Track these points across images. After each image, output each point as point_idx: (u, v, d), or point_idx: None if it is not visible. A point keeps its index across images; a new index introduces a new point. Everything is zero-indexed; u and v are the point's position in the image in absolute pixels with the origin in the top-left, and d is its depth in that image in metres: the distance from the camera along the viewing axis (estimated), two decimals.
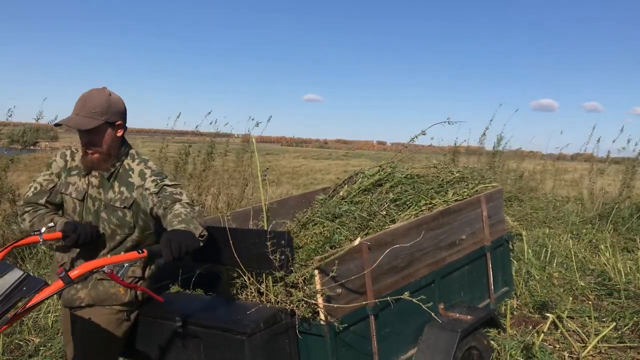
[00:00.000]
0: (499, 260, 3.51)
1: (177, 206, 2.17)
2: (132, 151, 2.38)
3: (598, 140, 9.23)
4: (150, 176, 2.29)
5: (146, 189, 2.25)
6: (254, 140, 3.59)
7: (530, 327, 4.17)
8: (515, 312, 4.46)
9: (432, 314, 2.57)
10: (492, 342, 3.67)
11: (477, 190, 3.58)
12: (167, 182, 2.27)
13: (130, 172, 2.31)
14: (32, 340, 3.75)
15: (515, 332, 4.04)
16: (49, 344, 3.70)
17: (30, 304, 1.84)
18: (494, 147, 8.83)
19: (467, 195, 3.47)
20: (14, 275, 1.83)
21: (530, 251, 5.60)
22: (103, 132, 2.20)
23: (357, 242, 2.19)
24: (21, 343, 3.73)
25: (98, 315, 2.30)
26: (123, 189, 2.29)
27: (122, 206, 2.27)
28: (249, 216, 3.22)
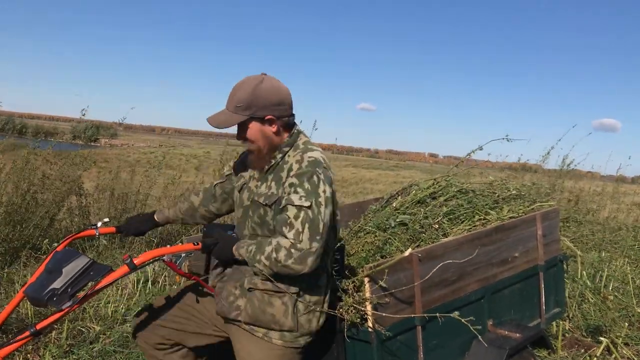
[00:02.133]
0: (552, 280, 3.44)
1: (278, 238, 1.92)
2: (300, 141, 2.12)
3: None
4: (293, 176, 1.98)
5: (283, 188, 2.00)
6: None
7: (583, 350, 4.07)
8: (567, 334, 4.36)
9: (481, 329, 2.57)
10: None
11: (533, 209, 3.54)
12: (297, 196, 1.92)
13: (284, 165, 2.06)
14: (93, 327, 3.96)
15: (566, 354, 3.95)
16: (109, 332, 3.90)
17: (96, 287, 1.99)
18: (560, 167, 8.53)
19: (523, 212, 3.44)
20: (82, 261, 2.00)
21: (585, 273, 5.45)
22: (251, 128, 2.04)
23: (408, 252, 2.21)
24: (83, 330, 3.94)
25: (256, 348, 2.08)
26: (273, 183, 2.07)
27: (264, 203, 2.06)
28: None
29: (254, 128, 2.04)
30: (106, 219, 2.48)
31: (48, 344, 3.65)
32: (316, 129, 7.74)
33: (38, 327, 1.94)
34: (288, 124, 2.10)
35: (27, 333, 1.93)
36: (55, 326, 3.84)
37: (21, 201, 5.53)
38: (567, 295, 4.36)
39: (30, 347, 3.60)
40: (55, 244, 5.37)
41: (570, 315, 4.67)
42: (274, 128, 2.05)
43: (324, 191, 1.95)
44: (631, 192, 9.82)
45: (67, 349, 3.63)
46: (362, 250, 3.10)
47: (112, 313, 4.21)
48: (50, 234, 5.84)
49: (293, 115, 2.12)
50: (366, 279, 2.26)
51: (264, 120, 2.04)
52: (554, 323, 3.92)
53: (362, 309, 2.26)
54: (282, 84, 2.09)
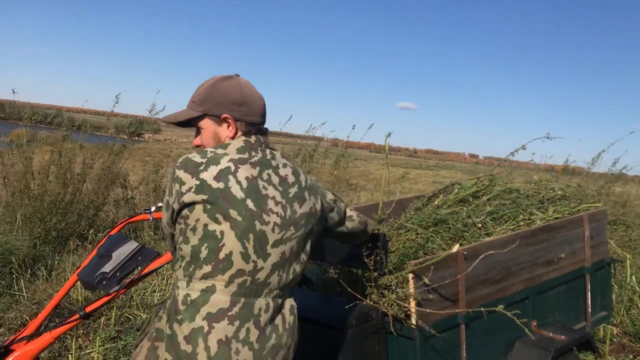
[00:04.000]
0: (599, 283, 3.36)
1: None
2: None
3: None
4: None
5: None
6: (387, 145, 3.67)
7: (631, 356, 3.99)
8: (614, 339, 4.26)
9: (525, 329, 2.53)
10: None
11: (579, 210, 3.46)
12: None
13: None
14: (140, 315, 4.08)
15: (614, 359, 3.87)
16: None
17: (144, 272, 2.06)
18: (609, 170, 8.27)
19: (569, 214, 3.37)
20: (130, 246, 2.07)
21: (634, 278, 5.30)
22: (205, 128, 1.77)
23: (455, 248, 2.20)
24: (130, 317, 4.07)
25: None
26: None
27: None
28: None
29: (207, 127, 1.75)
30: (160, 204, 2.53)
31: (97, 330, 3.79)
32: (369, 129, 7.78)
33: (87, 309, 2.02)
34: (249, 132, 1.74)
35: (77, 315, 2.01)
36: (105, 313, 3.98)
37: (64, 191, 5.74)
38: (614, 299, 4.25)
39: (81, 331, 3.74)
40: (101, 234, 5.58)
41: (619, 320, 4.56)
42: (230, 131, 1.72)
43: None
44: None
45: (115, 335, 3.76)
46: (404, 247, 3.10)
47: (157, 301, 4.33)
48: (97, 224, 6.04)
49: (260, 124, 1.78)
50: (410, 275, 2.25)
51: (219, 120, 1.73)
52: (600, 327, 3.83)
53: (406, 305, 2.26)
54: (252, 87, 1.80)
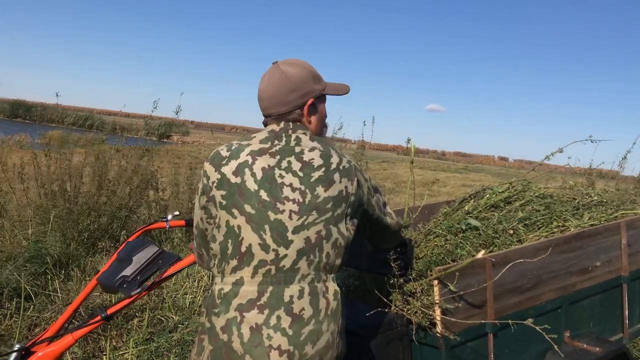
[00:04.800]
0: (638, 293, 3.22)
1: None
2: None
3: None
4: None
5: None
6: (412, 148, 3.61)
7: None
8: None
9: (557, 340, 2.43)
10: None
11: (616, 217, 3.34)
12: None
13: None
14: (172, 317, 4.12)
15: None
16: (186, 323, 4.04)
17: (164, 275, 2.07)
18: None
19: (605, 220, 3.25)
20: (151, 250, 2.08)
21: None
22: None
23: (480, 254, 2.13)
24: (162, 319, 4.11)
25: None
26: None
27: None
28: None
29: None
30: (176, 212, 2.60)
31: (131, 331, 3.84)
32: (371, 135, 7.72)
33: (109, 312, 2.04)
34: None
35: (99, 317, 2.03)
36: (137, 315, 4.03)
37: (98, 193, 5.84)
38: None
39: (115, 332, 3.79)
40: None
41: None
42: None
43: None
44: None
45: (148, 337, 3.80)
46: (432, 253, 3.04)
47: (189, 304, 4.36)
48: (128, 226, 6.13)
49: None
50: (435, 282, 2.19)
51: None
52: None
53: (431, 313, 2.20)
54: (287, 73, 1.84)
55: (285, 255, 1.63)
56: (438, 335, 2.19)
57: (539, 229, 3.21)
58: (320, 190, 1.68)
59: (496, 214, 3.29)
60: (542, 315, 2.58)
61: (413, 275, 2.47)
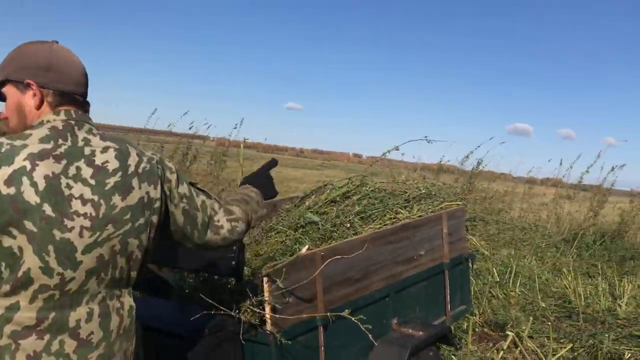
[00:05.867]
0: (458, 278, 3.51)
1: None
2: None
3: (569, 167, 9.45)
4: None
5: None
6: (242, 145, 3.55)
7: (491, 344, 4.25)
8: (477, 329, 4.51)
9: (385, 328, 2.56)
10: (453, 357, 3.72)
11: (441, 208, 3.60)
12: None
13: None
14: None
15: (476, 348, 4.09)
16: None
17: None
18: (472, 169, 8.98)
19: (432, 211, 3.49)
20: None
21: (495, 270, 5.67)
22: (8, 96, 1.52)
23: (304, 249, 2.16)
24: None
25: None
26: None
27: None
28: None
29: (10, 96, 1.50)
30: None
31: None
32: (240, 124, 7.75)
33: None
34: (60, 103, 1.49)
35: None
36: None
37: None
38: (473, 292, 4.50)
39: None
40: None
41: (481, 311, 4.84)
42: (35, 100, 1.47)
43: None
44: (540, 193, 10.38)
45: None
46: (272, 250, 3.03)
47: None
48: None
49: (75, 94, 1.52)
50: (265, 279, 2.18)
51: (22, 86, 1.48)
52: (464, 318, 4.02)
53: (261, 310, 2.19)
54: (70, 53, 1.56)
55: (73, 279, 1.39)
56: (268, 332, 2.18)
57: (374, 221, 3.36)
58: (117, 199, 1.43)
59: (335, 209, 3.39)
60: (372, 304, 2.70)
61: (249, 273, 2.44)
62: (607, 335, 4.30)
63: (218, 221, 1.74)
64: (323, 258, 2.38)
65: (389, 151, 4.37)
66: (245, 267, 2.33)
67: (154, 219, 1.53)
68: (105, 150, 1.46)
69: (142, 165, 1.51)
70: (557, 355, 3.89)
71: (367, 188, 3.66)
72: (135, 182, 1.48)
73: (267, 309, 2.18)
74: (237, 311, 2.20)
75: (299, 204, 3.62)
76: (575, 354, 4.17)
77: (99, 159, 1.44)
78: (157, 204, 1.53)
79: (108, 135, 1.52)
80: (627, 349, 4.10)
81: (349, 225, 3.24)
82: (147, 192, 1.50)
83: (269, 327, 2.18)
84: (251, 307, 2.17)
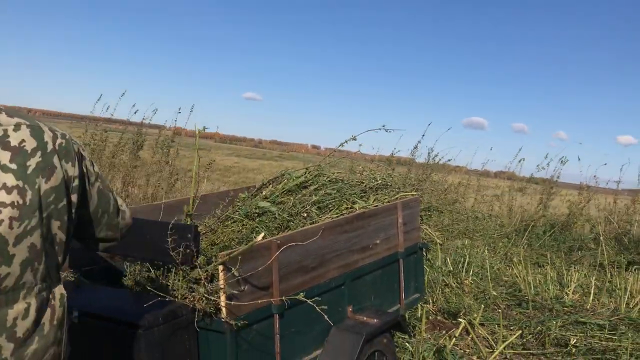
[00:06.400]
0: (412, 267, 3.58)
1: None
2: None
3: (520, 161, 9.77)
4: None
5: None
6: (197, 134, 3.51)
7: (444, 331, 4.35)
8: (430, 317, 4.63)
9: (341, 316, 2.59)
10: (407, 344, 3.81)
11: (397, 198, 3.66)
12: None
13: None
14: None
15: (429, 335, 4.19)
16: None
17: None
18: (426, 160, 9.17)
19: (388, 201, 3.55)
20: None
21: (449, 260, 5.82)
22: None
23: (260, 237, 2.16)
24: None
25: None
26: None
27: None
28: (173, 209, 3.15)
29: None
30: None
31: None
32: (191, 111, 7.69)
33: None
34: None
35: None
36: None
37: None
38: (427, 281, 4.61)
39: None
40: None
41: (434, 299, 4.96)
42: None
43: None
44: (493, 186, 10.70)
45: None
46: (228, 239, 3.03)
47: None
48: None
49: None
50: (220, 267, 2.17)
51: None
52: (418, 306, 4.12)
53: (215, 298, 2.18)
54: None
55: (8, 274, 1.26)
56: (223, 320, 2.18)
57: (330, 211, 3.39)
58: (41, 182, 1.29)
59: (292, 198, 3.40)
60: (327, 292, 2.73)
61: (204, 262, 2.42)
62: (554, 322, 4.47)
63: (121, 205, 1.63)
64: (279, 246, 2.39)
65: (346, 141, 4.40)
66: (200, 256, 2.32)
67: (74, 197, 1.40)
68: (17, 127, 1.29)
69: (58, 141, 1.36)
70: (507, 342, 4.04)
71: (324, 178, 3.69)
72: (55, 160, 1.33)
73: (222, 297, 2.18)
74: (192, 299, 2.20)
75: (255, 194, 3.62)
76: (524, 340, 4.34)
77: (14, 139, 1.28)
78: (76, 182, 1.40)
79: (12, 110, 1.34)
80: (572, 335, 4.28)
81: (305, 214, 3.26)
82: (66, 170, 1.36)
83: (224, 314, 2.18)
84: (206, 295, 2.17)
